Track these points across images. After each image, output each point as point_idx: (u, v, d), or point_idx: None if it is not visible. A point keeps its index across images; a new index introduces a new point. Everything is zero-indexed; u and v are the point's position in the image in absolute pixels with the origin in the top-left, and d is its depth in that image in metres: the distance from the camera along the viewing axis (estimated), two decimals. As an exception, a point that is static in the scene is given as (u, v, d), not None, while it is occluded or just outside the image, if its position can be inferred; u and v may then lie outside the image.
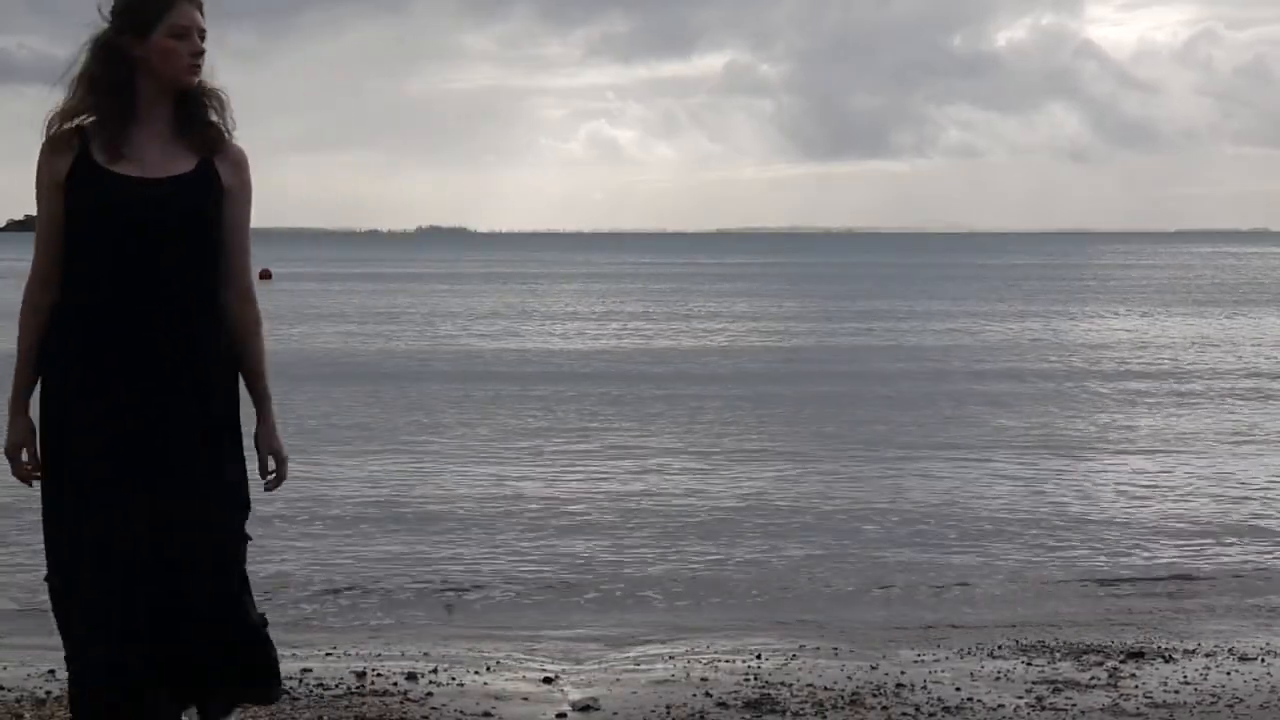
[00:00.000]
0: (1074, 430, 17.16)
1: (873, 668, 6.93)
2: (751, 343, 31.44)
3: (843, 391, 21.24)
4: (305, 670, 6.84)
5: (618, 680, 6.73)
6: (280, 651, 7.40)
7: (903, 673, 6.80)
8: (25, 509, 12.08)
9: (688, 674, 6.80)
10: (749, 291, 57.80)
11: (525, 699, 6.40)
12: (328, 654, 7.32)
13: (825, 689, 6.45)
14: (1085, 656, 7.19)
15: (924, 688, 6.48)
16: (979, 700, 6.26)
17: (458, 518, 11.78)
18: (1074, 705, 6.20)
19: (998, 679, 6.69)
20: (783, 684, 6.54)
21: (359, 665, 6.91)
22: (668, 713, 6.05)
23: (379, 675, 6.67)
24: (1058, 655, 7.23)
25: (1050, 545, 10.75)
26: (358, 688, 6.46)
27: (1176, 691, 6.43)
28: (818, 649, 7.48)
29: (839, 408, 19.19)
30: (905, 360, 26.66)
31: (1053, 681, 6.64)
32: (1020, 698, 6.33)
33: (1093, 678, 6.71)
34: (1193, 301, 48.27)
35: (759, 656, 7.20)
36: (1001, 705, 6.18)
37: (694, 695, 6.33)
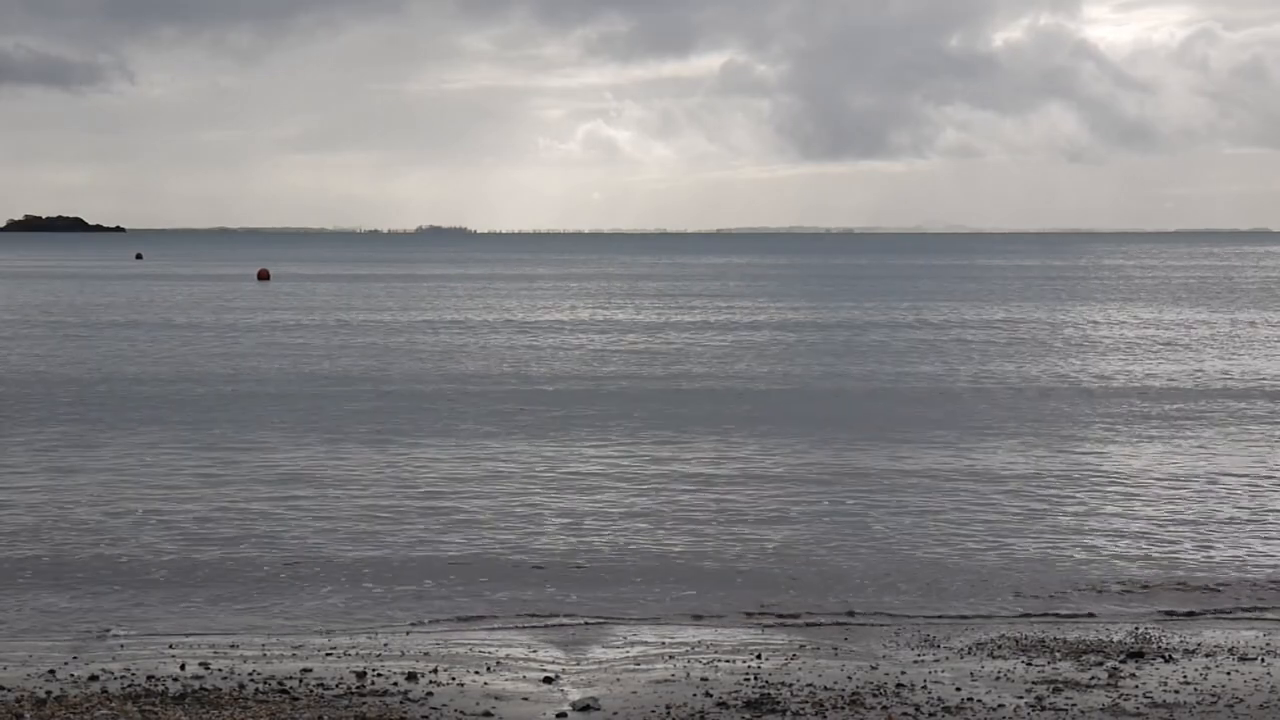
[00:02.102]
0: (1076, 437, 17.11)
1: (873, 668, 6.93)
2: (760, 350, 31.36)
3: (860, 404, 21.13)
4: (305, 670, 6.85)
5: (618, 680, 6.73)
6: (281, 651, 7.52)
7: (903, 673, 6.80)
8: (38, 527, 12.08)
9: (688, 674, 6.79)
10: (752, 293, 57.47)
11: (525, 699, 6.38)
12: (328, 654, 7.33)
13: (825, 689, 6.44)
14: (1085, 656, 7.18)
15: (924, 688, 6.47)
16: (979, 700, 6.26)
17: (465, 516, 11.76)
18: (1074, 705, 6.20)
19: (998, 679, 6.69)
20: (783, 684, 6.53)
21: (359, 665, 6.91)
22: (668, 713, 6.05)
23: (379, 675, 6.67)
24: (1058, 655, 7.23)
25: (1051, 549, 10.73)
26: (358, 687, 6.46)
27: (1176, 691, 6.43)
28: (818, 649, 7.48)
29: (856, 417, 19.09)
30: (929, 372, 26.60)
31: (1053, 681, 6.64)
32: (1020, 697, 6.33)
33: (1093, 678, 6.71)
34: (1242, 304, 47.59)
35: (759, 656, 7.19)
36: (1002, 705, 6.18)
37: (694, 695, 6.33)
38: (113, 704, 6.05)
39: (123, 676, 6.62)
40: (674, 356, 28.05)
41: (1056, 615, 8.66)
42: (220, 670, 6.79)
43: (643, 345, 30.93)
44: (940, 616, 8.64)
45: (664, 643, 7.72)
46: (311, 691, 6.39)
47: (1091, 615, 8.64)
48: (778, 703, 6.19)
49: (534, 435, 16.79)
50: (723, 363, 26.92)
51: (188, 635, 7.97)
